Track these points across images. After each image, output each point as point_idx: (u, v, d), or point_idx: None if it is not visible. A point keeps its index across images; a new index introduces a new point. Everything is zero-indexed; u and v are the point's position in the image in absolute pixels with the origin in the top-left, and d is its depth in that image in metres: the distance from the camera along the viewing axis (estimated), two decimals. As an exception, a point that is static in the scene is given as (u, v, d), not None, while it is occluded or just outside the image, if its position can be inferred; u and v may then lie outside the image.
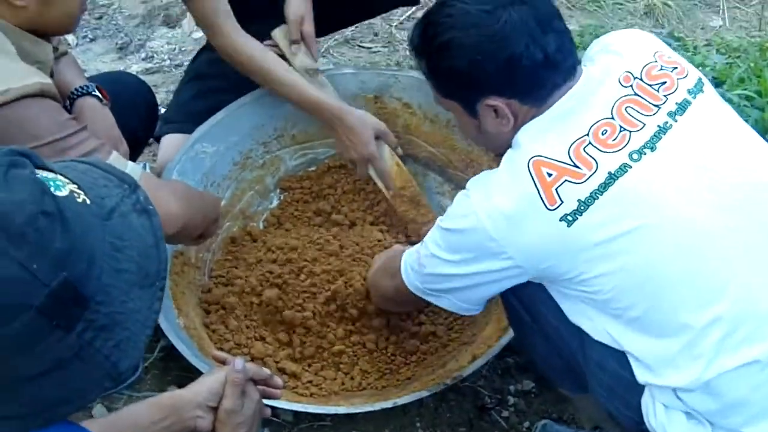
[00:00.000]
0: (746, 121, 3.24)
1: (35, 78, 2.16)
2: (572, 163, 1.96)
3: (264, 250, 3.00)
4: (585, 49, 3.71)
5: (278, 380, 2.14)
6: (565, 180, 1.95)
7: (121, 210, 1.38)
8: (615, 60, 2.12)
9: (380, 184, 3.12)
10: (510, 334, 2.53)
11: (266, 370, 2.12)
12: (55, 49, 2.47)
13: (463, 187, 3.08)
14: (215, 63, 3.19)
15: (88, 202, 1.33)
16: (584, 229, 1.94)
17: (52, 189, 1.27)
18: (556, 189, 1.95)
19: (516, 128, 2.08)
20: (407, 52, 4.35)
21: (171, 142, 3.16)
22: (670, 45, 4.14)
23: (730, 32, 4.74)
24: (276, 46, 3.15)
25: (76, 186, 1.33)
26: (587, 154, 1.97)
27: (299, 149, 3.28)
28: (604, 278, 1.97)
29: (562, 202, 1.94)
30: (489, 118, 2.11)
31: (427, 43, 2.15)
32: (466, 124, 2.22)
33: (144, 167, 2.98)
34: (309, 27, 3.17)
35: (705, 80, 2.15)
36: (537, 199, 1.95)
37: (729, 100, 3.39)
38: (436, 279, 2.22)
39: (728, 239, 1.97)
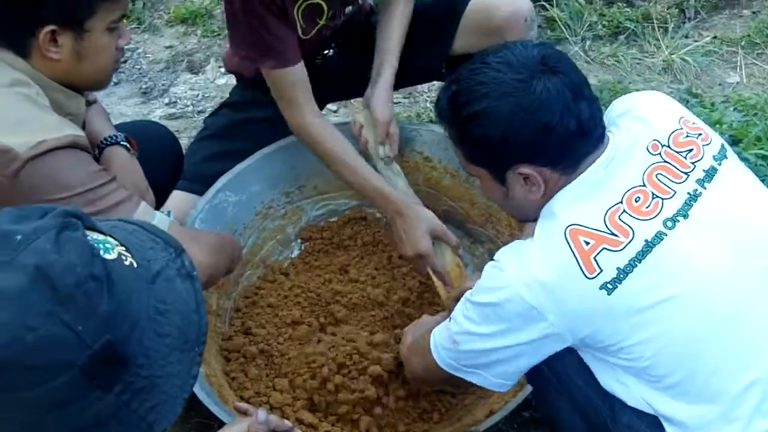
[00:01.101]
0: (762, 180, 3.30)
1: (68, 131, 2.20)
2: (609, 231, 1.97)
3: (284, 299, 3.02)
4: (604, 104, 3.79)
5: None
6: (603, 248, 1.95)
7: (166, 274, 1.41)
8: (641, 127, 2.13)
9: (438, 285, 3.03)
10: (528, 389, 2.51)
11: (287, 422, 2.13)
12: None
13: (481, 242, 3.15)
14: (235, 125, 3.25)
15: (134, 264, 1.36)
16: (624, 297, 1.94)
17: (101, 252, 1.31)
18: (594, 257, 1.95)
19: (545, 195, 2.09)
20: (428, 104, 4.40)
21: (180, 199, 3.18)
22: (687, 102, 4.23)
23: (747, 89, 4.76)
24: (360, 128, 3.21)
25: (124, 248, 1.37)
26: (623, 221, 1.98)
27: (320, 200, 3.33)
28: (643, 345, 1.97)
29: (602, 270, 1.94)
30: (518, 185, 2.11)
31: (457, 111, 2.13)
32: (494, 190, 2.21)
33: (169, 215, 3.02)
34: (394, 128, 3.21)
35: (726, 145, 2.18)
36: (576, 268, 1.95)
37: (745, 159, 3.42)
38: (472, 355, 2.18)
39: (762, 303, 1.99)
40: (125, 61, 4.77)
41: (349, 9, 3.23)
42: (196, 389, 2.57)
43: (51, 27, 2.21)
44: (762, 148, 3.55)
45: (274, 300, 3.03)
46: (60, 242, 1.27)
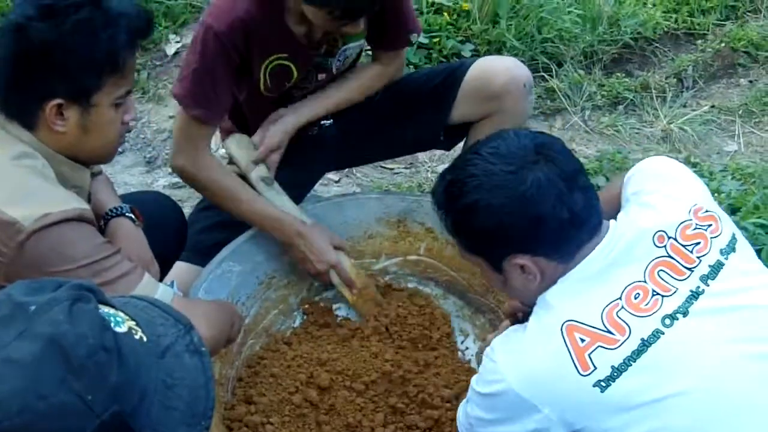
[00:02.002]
0: (761, 249, 3.32)
1: (74, 204, 2.24)
2: (605, 329, 1.96)
3: (287, 368, 3.03)
4: (604, 174, 3.83)
5: None
6: (599, 346, 1.95)
7: (175, 349, 1.44)
8: (649, 216, 2.12)
9: (345, 291, 3.20)
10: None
11: None
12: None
13: (483, 312, 3.16)
14: None
15: (144, 339, 1.39)
16: (617, 395, 1.94)
17: (112, 325, 1.34)
18: (589, 355, 1.95)
19: (543, 283, 2.09)
20: (429, 174, 4.43)
21: (182, 269, 3.20)
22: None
23: (746, 157, 4.81)
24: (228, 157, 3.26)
25: (134, 323, 1.40)
26: (620, 318, 1.97)
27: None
28: None
29: (596, 368, 1.95)
30: (515, 274, 2.12)
31: (452, 203, 2.16)
32: (493, 278, 2.22)
33: (172, 285, 3.04)
34: (277, 156, 3.24)
35: (738, 235, 2.16)
36: (570, 365, 1.96)
37: (743, 228, 3.45)
38: None
39: (761, 404, 1.96)
40: (129, 131, 4.78)
41: (321, 76, 3.26)
42: (199, 460, 2.58)
43: (58, 100, 2.25)
44: (760, 217, 3.58)
45: (276, 370, 3.03)
46: (73, 314, 1.30)
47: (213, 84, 2.96)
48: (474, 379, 2.18)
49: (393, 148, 3.70)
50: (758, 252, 3.32)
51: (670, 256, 2.06)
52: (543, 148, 2.09)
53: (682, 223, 2.11)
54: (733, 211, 3.73)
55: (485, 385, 2.11)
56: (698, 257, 2.06)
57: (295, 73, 3.11)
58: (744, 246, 2.17)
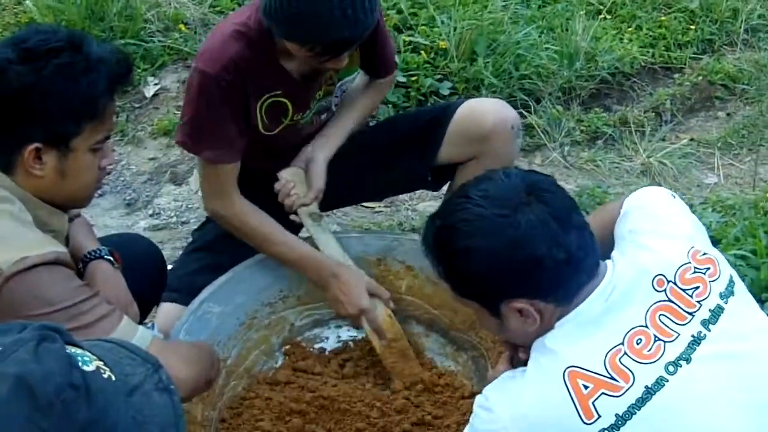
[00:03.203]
0: (743, 279, 3.32)
1: (51, 247, 2.22)
2: (609, 375, 1.92)
3: (268, 410, 3.01)
4: (584, 209, 3.83)
5: None
6: (602, 393, 1.91)
7: (144, 388, 1.42)
8: (647, 258, 2.08)
9: (374, 339, 3.16)
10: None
11: None
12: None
13: (465, 349, 3.15)
14: (221, 238, 3.27)
15: (113, 378, 1.37)
16: None
17: (80, 363, 1.32)
18: (593, 402, 1.90)
19: (542, 325, 2.04)
20: (409, 213, 4.43)
21: (170, 312, 3.19)
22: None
23: (725, 189, 4.83)
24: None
25: (102, 363, 1.38)
26: (623, 365, 1.93)
27: (304, 310, 3.32)
28: None
29: (600, 416, 1.90)
30: (513, 318, 2.06)
31: (442, 248, 2.11)
32: (489, 322, 2.16)
33: (152, 327, 3.02)
34: (321, 195, 3.24)
35: (735, 277, 2.13)
36: (573, 413, 1.91)
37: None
38: None
39: None
40: (109, 174, 4.79)
41: (324, 116, 3.28)
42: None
43: (36, 144, 2.24)
44: (740, 248, 3.58)
45: (258, 411, 3.02)
46: (39, 353, 1.29)
47: (216, 124, 2.99)
48: (466, 429, 2.10)
49: (380, 190, 3.72)
50: (740, 284, 3.33)
51: (670, 300, 2.01)
52: (534, 189, 2.04)
53: (681, 266, 2.06)
54: (714, 243, 3.72)
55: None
56: (698, 302, 2.01)
57: (290, 108, 3.11)
58: (741, 289, 2.13)
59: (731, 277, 2.12)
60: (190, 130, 3.01)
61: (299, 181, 3.23)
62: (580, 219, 2.07)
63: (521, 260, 1.98)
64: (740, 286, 2.13)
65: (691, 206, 4.27)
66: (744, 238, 3.71)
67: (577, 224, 2.04)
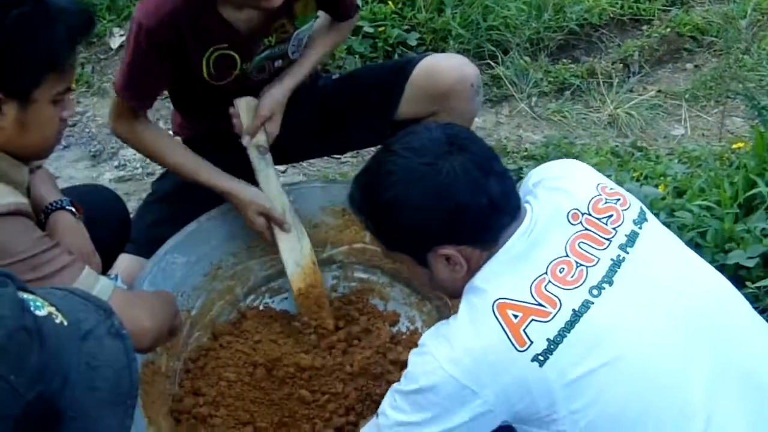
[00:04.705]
0: (706, 231, 3.34)
1: (10, 198, 2.21)
2: (536, 302, 1.97)
3: (233, 359, 3.02)
4: (549, 159, 3.85)
5: None
6: (532, 320, 1.95)
7: (96, 333, 1.42)
8: (560, 197, 2.15)
9: (293, 282, 3.18)
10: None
11: None
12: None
13: (429, 298, 3.16)
14: (182, 189, 3.27)
15: (65, 323, 1.37)
16: (556, 368, 1.94)
17: (32, 308, 1.32)
18: (524, 330, 1.95)
19: (470, 271, 2.09)
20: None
21: (128, 264, 3.18)
22: (633, 155, 4.29)
23: (692, 140, 4.86)
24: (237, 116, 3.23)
25: (54, 308, 1.38)
26: (549, 292, 1.98)
27: (269, 260, 3.31)
28: (577, 415, 1.97)
29: (532, 342, 1.94)
30: (441, 266, 2.11)
31: (369, 202, 2.17)
32: (418, 273, 2.21)
33: (116, 279, 3.01)
34: (274, 128, 3.24)
35: (644, 208, 2.21)
36: (506, 343, 1.95)
37: (689, 211, 3.47)
38: None
39: (692, 367, 1.98)
40: (74, 125, 4.77)
41: (278, 63, 3.25)
42: (146, 453, 2.57)
43: None
44: (705, 199, 3.59)
45: (222, 362, 3.02)
46: None
47: (146, 78, 3.02)
48: (394, 386, 2.15)
49: (342, 144, 3.69)
50: (703, 234, 3.35)
51: (587, 229, 2.08)
52: (455, 139, 2.09)
53: (592, 198, 2.14)
54: (679, 194, 3.75)
55: (415, 380, 2.06)
56: (614, 228, 2.09)
57: (239, 62, 3.09)
58: (653, 219, 2.21)
59: (641, 208, 2.20)
60: (124, 79, 3.03)
61: (251, 111, 3.23)
62: (500, 166, 2.13)
63: (446, 208, 2.03)
64: (651, 216, 2.21)
65: (657, 157, 4.32)
66: (709, 189, 3.72)
67: (497, 171, 2.09)
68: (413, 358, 2.10)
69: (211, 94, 3.15)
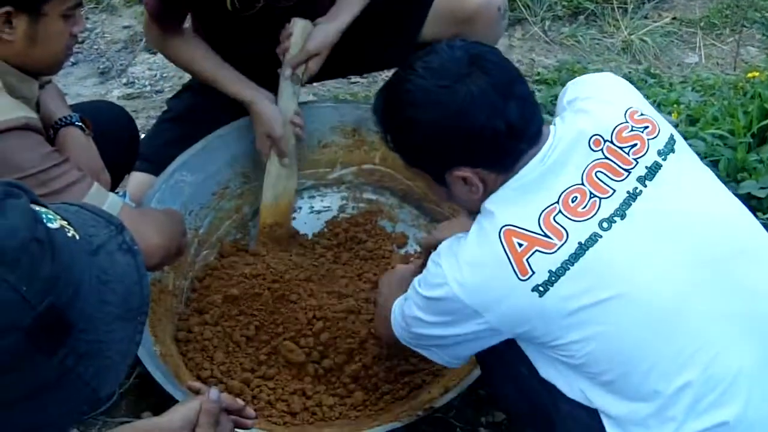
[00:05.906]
0: (718, 160, 3.32)
1: (20, 112, 2.21)
2: (543, 233, 1.96)
3: (242, 279, 3.02)
4: (562, 84, 3.82)
5: (251, 411, 2.15)
6: (536, 250, 1.95)
7: (107, 248, 1.41)
8: (585, 121, 2.10)
9: (263, 211, 3.20)
10: (481, 368, 2.54)
11: (240, 401, 2.13)
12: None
13: (438, 220, 3.15)
14: (199, 108, 3.25)
15: (77, 237, 1.36)
16: (556, 299, 1.94)
17: (44, 220, 1.31)
18: (527, 259, 1.95)
19: (486, 193, 2.08)
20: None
21: (141, 181, 3.19)
22: (646, 82, 4.25)
23: (706, 69, 4.81)
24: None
25: (66, 222, 1.37)
26: (557, 223, 1.97)
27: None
28: (577, 345, 1.98)
29: (534, 272, 1.95)
30: (458, 186, 2.10)
31: (389, 120, 2.15)
32: (437, 190, 2.22)
33: (124, 196, 3.01)
34: (315, 66, 3.19)
35: (677, 136, 2.15)
36: (509, 270, 1.96)
37: (702, 139, 3.45)
38: (421, 337, 2.23)
39: (698, 306, 1.97)
40: (83, 42, 4.74)
41: None
42: (152, 369, 2.58)
43: (7, 8, 2.21)
44: (719, 128, 3.57)
45: (232, 280, 3.02)
46: (3, 208, 1.27)
47: (171, 3, 3.08)
48: (417, 280, 2.18)
49: (362, 65, 3.66)
50: (716, 163, 3.33)
51: (607, 158, 2.04)
52: (477, 60, 2.05)
53: (618, 125, 2.08)
54: (692, 122, 3.73)
55: (429, 288, 2.11)
56: (635, 159, 2.04)
57: None
58: (683, 148, 2.16)
59: (672, 135, 2.14)
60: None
61: (301, 38, 3.16)
62: (522, 89, 2.09)
63: (461, 131, 2.01)
64: (682, 145, 2.15)
65: (670, 85, 4.28)
66: (722, 117, 3.70)
67: (518, 94, 2.05)
68: (430, 263, 2.14)
69: (236, 24, 3.12)
